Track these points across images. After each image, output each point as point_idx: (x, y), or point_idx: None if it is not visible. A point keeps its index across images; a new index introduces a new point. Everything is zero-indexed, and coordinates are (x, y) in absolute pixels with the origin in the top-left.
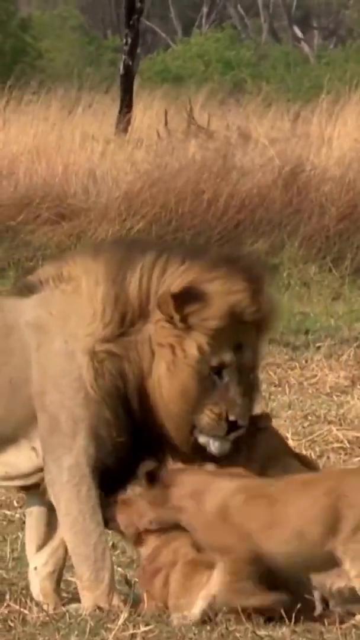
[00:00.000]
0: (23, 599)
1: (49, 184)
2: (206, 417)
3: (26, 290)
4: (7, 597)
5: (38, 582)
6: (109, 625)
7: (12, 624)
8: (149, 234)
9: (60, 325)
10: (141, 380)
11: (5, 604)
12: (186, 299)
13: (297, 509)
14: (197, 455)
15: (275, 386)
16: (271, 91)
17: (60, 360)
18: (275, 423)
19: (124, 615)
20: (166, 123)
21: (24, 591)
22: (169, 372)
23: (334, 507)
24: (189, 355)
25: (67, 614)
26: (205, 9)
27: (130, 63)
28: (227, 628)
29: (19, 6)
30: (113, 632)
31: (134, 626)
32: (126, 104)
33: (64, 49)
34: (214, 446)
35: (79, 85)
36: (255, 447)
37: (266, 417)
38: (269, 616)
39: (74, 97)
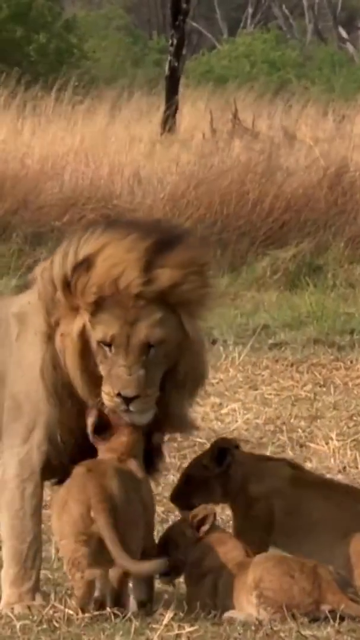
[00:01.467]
0: (68, 600)
1: (95, 184)
2: (104, 396)
3: (24, 286)
4: (52, 597)
5: None
6: (153, 626)
7: (57, 625)
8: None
9: (35, 314)
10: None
11: (50, 605)
12: (75, 270)
13: None
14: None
15: (320, 386)
16: (316, 92)
17: (31, 351)
18: (320, 423)
19: (169, 616)
20: (211, 124)
21: (68, 592)
22: (63, 347)
23: None
24: (72, 334)
25: (111, 615)
26: (250, 10)
27: (176, 64)
28: (271, 628)
29: (64, 7)
30: (158, 632)
31: (179, 626)
32: (172, 105)
33: (109, 50)
34: (126, 419)
35: (124, 86)
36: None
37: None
38: (314, 617)
39: (120, 98)
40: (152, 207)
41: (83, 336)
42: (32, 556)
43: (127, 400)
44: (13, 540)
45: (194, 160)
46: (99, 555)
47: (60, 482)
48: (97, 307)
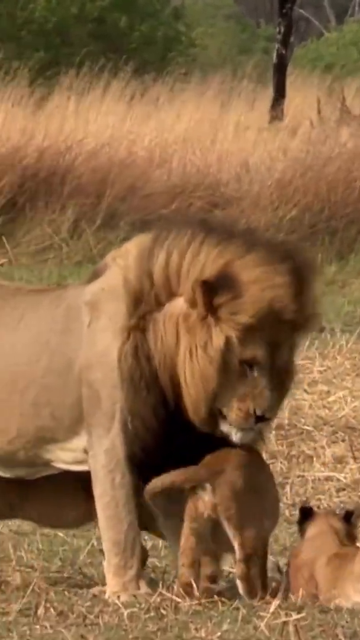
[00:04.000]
0: (175, 587)
1: (202, 172)
2: (234, 412)
3: (94, 276)
4: (160, 585)
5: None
6: (261, 613)
7: (164, 612)
8: (301, 222)
9: (109, 301)
10: (170, 359)
11: (157, 592)
12: (218, 287)
13: None
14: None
15: None
16: None
17: (105, 336)
18: None
19: (275, 603)
20: (319, 111)
21: (176, 579)
22: (191, 357)
23: None
24: (214, 346)
25: (219, 602)
26: None
27: (284, 52)
28: None
29: None
30: (265, 620)
31: (285, 614)
32: (279, 93)
33: (217, 38)
34: (236, 436)
35: (232, 73)
36: None
37: None
38: None
39: (227, 86)
40: (260, 194)
41: (225, 352)
42: (131, 545)
43: (258, 420)
44: (110, 531)
45: (301, 147)
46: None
47: (145, 477)
48: (247, 327)
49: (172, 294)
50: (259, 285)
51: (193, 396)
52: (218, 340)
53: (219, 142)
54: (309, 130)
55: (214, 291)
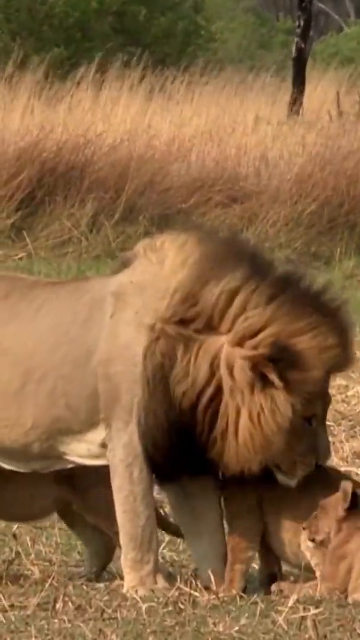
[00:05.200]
0: (193, 582)
1: (221, 166)
2: (299, 467)
3: (122, 266)
4: (178, 579)
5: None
6: (279, 608)
7: (182, 606)
8: (320, 216)
9: (137, 295)
10: (192, 389)
11: (175, 587)
12: (279, 358)
13: None
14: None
15: None
16: None
17: (128, 330)
18: None
19: (294, 597)
20: (338, 105)
21: (194, 574)
22: (253, 421)
23: None
24: (283, 414)
25: (237, 597)
26: None
27: (303, 46)
28: None
29: None
30: (283, 615)
31: (304, 609)
32: (298, 87)
33: (236, 32)
34: (293, 482)
35: (251, 67)
36: None
37: None
38: None
39: (246, 80)
40: (279, 188)
41: (292, 418)
42: (148, 539)
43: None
44: (127, 525)
45: (320, 142)
46: None
47: (162, 476)
48: (311, 392)
49: (211, 327)
50: (316, 351)
51: (245, 454)
52: (286, 410)
53: (238, 136)
54: (328, 124)
55: (278, 362)
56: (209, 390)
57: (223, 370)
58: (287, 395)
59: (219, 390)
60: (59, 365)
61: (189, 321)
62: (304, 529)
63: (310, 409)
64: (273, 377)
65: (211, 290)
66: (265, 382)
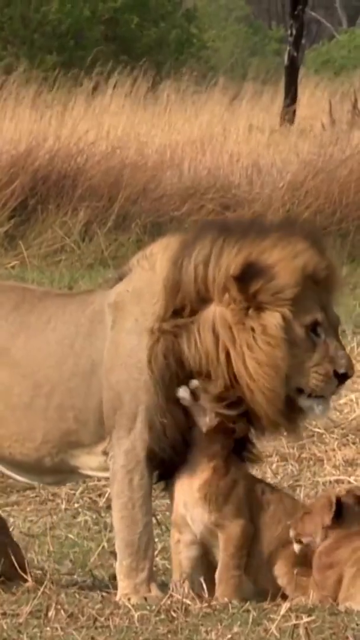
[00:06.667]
0: (186, 590)
1: (214, 174)
2: (314, 379)
3: (119, 280)
4: (170, 587)
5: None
6: (271, 616)
7: (174, 615)
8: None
9: (134, 303)
10: (206, 365)
11: (168, 595)
12: (248, 277)
13: None
14: (276, 430)
15: None
16: None
17: (130, 338)
18: None
19: (286, 606)
20: (330, 113)
21: (186, 582)
22: (251, 349)
23: None
24: (271, 327)
25: (229, 605)
26: None
27: (295, 54)
28: None
29: None
30: (275, 623)
31: (296, 617)
32: (291, 95)
33: (229, 40)
34: (318, 409)
35: (243, 75)
36: None
37: None
38: None
39: (239, 88)
40: (271, 196)
41: (285, 328)
42: (144, 547)
43: (340, 380)
44: (124, 531)
45: (312, 150)
46: None
47: (163, 475)
48: (294, 299)
49: (203, 302)
50: (286, 259)
51: (266, 386)
52: (274, 320)
53: (231, 144)
54: (321, 132)
55: (247, 282)
56: (222, 357)
57: (221, 328)
58: (273, 307)
59: (227, 353)
60: (67, 379)
61: (180, 309)
62: (290, 527)
63: (308, 316)
64: (235, 291)
65: (186, 269)
66: (252, 311)
